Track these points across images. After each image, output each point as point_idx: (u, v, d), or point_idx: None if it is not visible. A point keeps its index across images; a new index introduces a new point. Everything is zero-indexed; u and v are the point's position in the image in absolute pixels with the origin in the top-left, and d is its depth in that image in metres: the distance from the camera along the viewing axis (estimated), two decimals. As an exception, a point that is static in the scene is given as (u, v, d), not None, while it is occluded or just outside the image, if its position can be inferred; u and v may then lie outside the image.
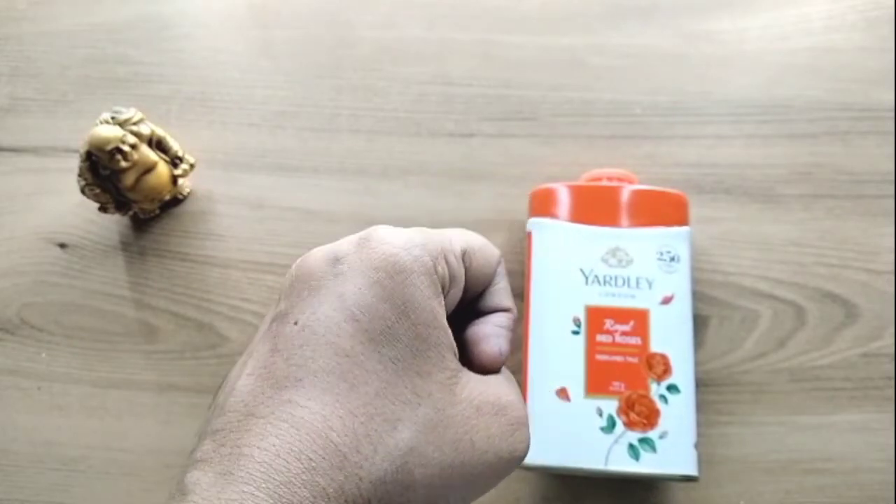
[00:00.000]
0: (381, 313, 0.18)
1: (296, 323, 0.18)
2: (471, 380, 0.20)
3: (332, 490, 0.16)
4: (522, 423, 0.20)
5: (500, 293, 0.24)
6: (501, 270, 0.24)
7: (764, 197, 0.39)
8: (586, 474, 0.31)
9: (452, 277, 0.21)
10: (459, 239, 0.22)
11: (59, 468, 0.36)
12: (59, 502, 0.36)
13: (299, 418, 0.17)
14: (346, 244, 0.20)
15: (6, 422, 0.37)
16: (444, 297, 0.20)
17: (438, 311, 0.20)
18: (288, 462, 0.16)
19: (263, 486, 0.15)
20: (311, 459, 0.16)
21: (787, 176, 0.39)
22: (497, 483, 0.20)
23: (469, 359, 0.22)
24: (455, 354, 0.20)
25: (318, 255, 0.20)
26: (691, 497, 0.35)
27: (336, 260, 0.20)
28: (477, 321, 0.23)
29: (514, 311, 0.24)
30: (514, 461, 0.20)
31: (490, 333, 0.22)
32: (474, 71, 0.42)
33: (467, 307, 0.23)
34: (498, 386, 0.21)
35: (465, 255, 0.21)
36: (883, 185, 0.39)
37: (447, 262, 0.20)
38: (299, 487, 0.16)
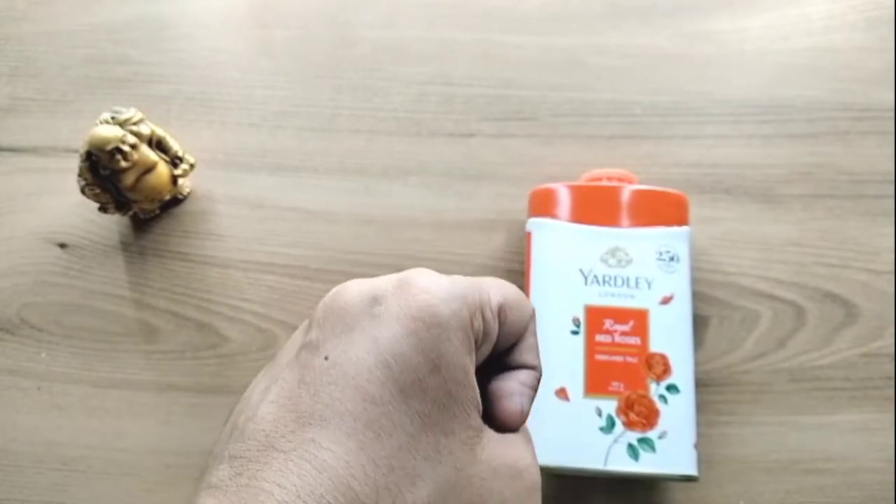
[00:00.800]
0: (413, 365, 0.18)
1: (326, 358, 0.18)
2: (491, 440, 0.20)
3: None
4: (536, 489, 0.20)
5: (529, 350, 0.23)
6: (532, 327, 0.23)
7: (764, 197, 0.39)
8: (586, 474, 0.31)
9: (486, 333, 0.20)
10: (497, 293, 0.21)
11: (59, 468, 0.36)
12: (59, 502, 0.36)
13: (322, 461, 0.16)
14: (385, 284, 0.20)
15: (6, 422, 0.37)
16: (476, 351, 0.20)
17: (469, 368, 0.19)
18: None
19: None
20: None
21: (787, 176, 0.39)
22: None
23: (490, 413, 0.21)
24: (479, 412, 0.20)
25: (355, 290, 0.20)
26: (691, 497, 0.35)
27: (374, 300, 0.19)
28: (501, 376, 0.22)
29: (540, 369, 0.23)
30: None
31: (514, 391, 0.22)
32: (474, 71, 0.42)
33: (494, 360, 0.23)
34: (516, 448, 0.20)
35: (500, 311, 0.21)
36: (883, 185, 0.39)
37: (483, 318, 0.20)
38: None
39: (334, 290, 0.20)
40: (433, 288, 0.19)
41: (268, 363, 0.22)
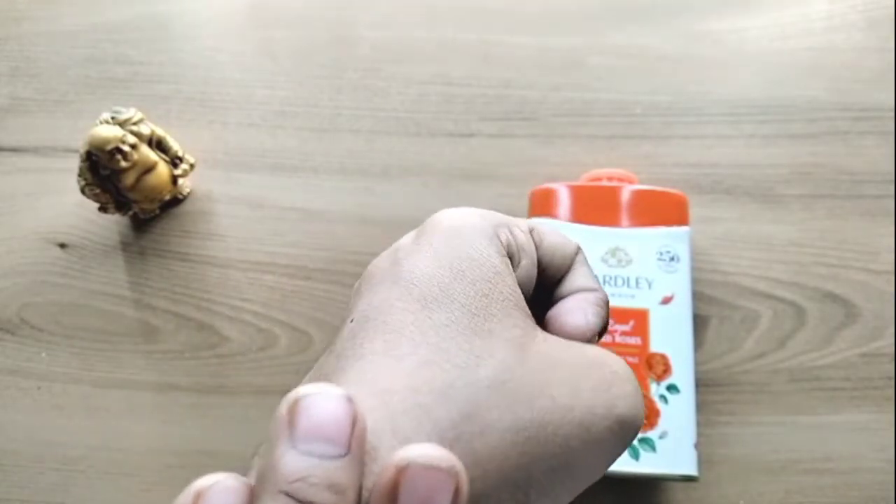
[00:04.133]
0: (436, 278, 0.17)
1: (351, 321, 0.17)
2: (549, 338, 0.17)
3: (370, 484, 0.14)
4: (622, 378, 0.17)
5: (583, 276, 0.20)
6: (581, 258, 0.21)
7: (764, 197, 0.39)
8: (586, 474, 0.31)
9: (520, 248, 0.19)
10: (525, 220, 0.20)
11: (59, 468, 0.36)
12: (59, 502, 0.36)
13: None
14: (405, 238, 0.19)
15: (6, 422, 0.37)
16: (516, 268, 0.19)
17: (502, 268, 0.18)
18: None
19: None
20: None
21: (787, 176, 0.39)
22: (607, 458, 0.17)
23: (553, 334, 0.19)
24: (528, 315, 0.18)
25: (380, 256, 0.19)
26: (691, 497, 0.35)
27: (394, 251, 0.19)
28: (559, 302, 0.20)
29: (603, 292, 0.20)
30: (619, 423, 0.16)
31: (574, 307, 0.19)
32: (474, 71, 0.42)
33: (549, 296, 0.20)
34: (585, 346, 0.18)
35: (532, 232, 0.20)
36: (883, 185, 0.39)
37: (511, 233, 0.19)
38: None
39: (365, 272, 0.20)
40: (449, 216, 0.19)
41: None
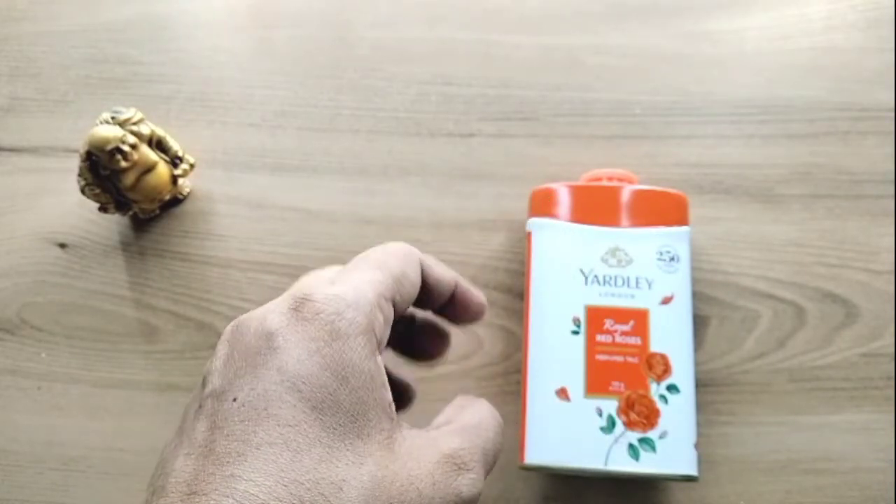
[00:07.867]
0: (322, 382, 0.19)
1: (234, 400, 0.19)
2: (408, 435, 0.21)
3: None
4: (466, 468, 0.21)
5: (438, 272, 0.25)
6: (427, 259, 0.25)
7: (764, 197, 0.39)
8: (586, 474, 0.31)
9: (386, 321, 0.21)
10: (396, 267, 0.23)
11: (59, 468, 0.36)
12: (59, 502, 0.36)
13: (243, 491, 0.17)
14: (277, 316, 0.20)
15: (6, 422, 0.37)
16: (379, 347, 0.21)
17: (375, 370, 0.20)
18: None
19: None
20: None
21: (787, 176, 0.39)
22: None
23: (455, 315, 0.26)
24: (390, 413, 0.21)
25: (250, 328, 0.20)
26: (691, 497, 0.35)
27: (270, 335, 0.20)
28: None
29: (459, 277, 0.26)
30: (464, 503, 0.20)
31: (464, 289, 0.25)
32: (474, 71, 0.42)
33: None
34: (437, 438, 0.21)
35: (397, 288, 0.22)
36: (883, 185, 0.39)
37: (381, 310, 0.21)
38: None
39: (226, 332, 0.21)
40: (326, 305, 0.20)
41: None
